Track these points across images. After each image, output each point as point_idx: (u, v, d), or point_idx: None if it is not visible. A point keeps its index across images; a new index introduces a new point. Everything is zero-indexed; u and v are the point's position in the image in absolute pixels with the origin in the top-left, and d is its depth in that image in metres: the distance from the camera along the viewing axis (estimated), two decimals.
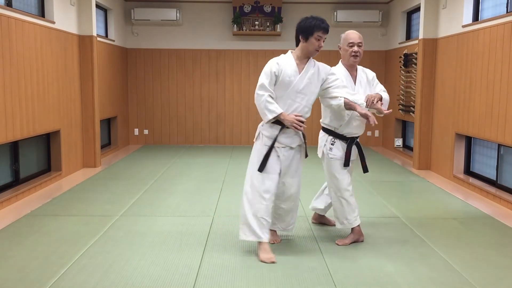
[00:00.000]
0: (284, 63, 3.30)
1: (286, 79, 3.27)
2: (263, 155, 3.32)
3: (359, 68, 3.68)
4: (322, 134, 3.70)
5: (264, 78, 3.27)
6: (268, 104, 3.22)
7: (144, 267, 3.14)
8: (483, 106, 5.23)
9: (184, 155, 7.85)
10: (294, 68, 3.30)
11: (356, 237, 3.64)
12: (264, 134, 3.35)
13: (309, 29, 3.28)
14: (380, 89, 3.63)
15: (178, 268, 3.13)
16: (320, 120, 3.72)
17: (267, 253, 3.28)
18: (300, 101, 3.31)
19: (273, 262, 3.22)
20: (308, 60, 3.37)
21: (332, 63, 3.89)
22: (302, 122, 3.23)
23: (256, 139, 3.43)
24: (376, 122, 3.22)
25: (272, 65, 3.28)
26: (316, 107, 3.77)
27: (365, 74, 3.69)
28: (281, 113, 3.22)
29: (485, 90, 5.19)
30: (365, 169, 3.72)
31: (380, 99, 3.47)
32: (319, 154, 3.69)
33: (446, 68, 6.21)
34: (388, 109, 3.50)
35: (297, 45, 3.39)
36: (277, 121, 3.28)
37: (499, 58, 4.93)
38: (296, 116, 3.22)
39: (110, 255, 3.33)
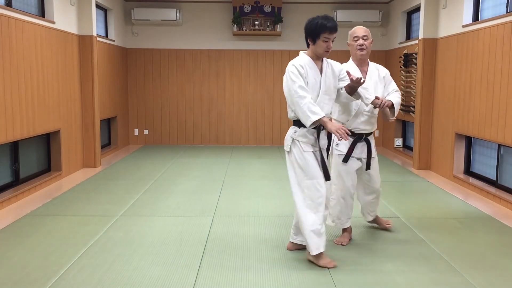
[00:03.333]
0: (305, 65, 3.13)
1: (312, 80, 3.13)
2: (308, 161, 3.14)
3: (372, 64, 3.63)
4: None
5: (297, 80, 3.07)
6: (311, 106, 3.01)
7: (144, 267, 3.14)
8: (483, 106, 5.23)
9: (184, 155, 7.85)
10: (315, 69, 3.16)
11: (350, 236, 3.66)
12: (301, 141, 3.16)
13: (315, 32, 3.12)
14: (392, 89, 3.59)
15: (178, 268, 3.13)
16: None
17: (325, 259, 3.18)
18: (328, 103, 3.19)
19: (335, 266, 3.16)
20: (322, 60, 3.24)
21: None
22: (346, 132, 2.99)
23: (289, 149, 3.22)
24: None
25: (296, 67, 3.11)
26: None
27: (377, 70, 3.63)
28: (324, 116, 3.04)
29: (485, 90, 5.19)
30: (368, 167, 3.62)
31: (391, 106, 3.45)
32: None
33: (446, 68, 6.21)
34: (394, 116, 3.52)
35: (308, 46, 3.24)
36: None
37: (499, 58, 4.93)
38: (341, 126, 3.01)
39: (110, 255, 3.33)
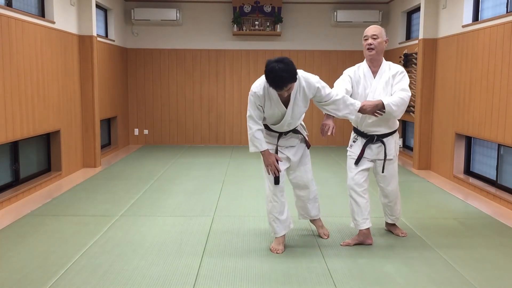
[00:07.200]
0: (264, 93, 3.20)
1: (275, 110, 3.24)
2: None
3: (385, 63, 3.48)
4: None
5: (251, 109, 3.23)
6: (254, 139, 3.25)
7: (144, 267, 3.14)
8: (483, 106, 5.23)
9: (184, 155, 7.85)
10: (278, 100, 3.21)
11: (361, 240, 3.57)
12: (267, 141, 3.38)
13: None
14: (398, 88, 3.36)
15: (178, 268, 3.13)
16: None
17: (277, 245, 3.47)
18: (286, 119, 3.30)
19: (277, 253, 3.41)
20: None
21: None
22: (278, 170, 3.30)
23: None
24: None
25: (254, 98, 3.20)
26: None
27: (389, 70, 3.45)
28: (265, 150, 3.27)
29: (485, 90, 5.19)
30: (383, 169, 3.56)
31: (379, 107, 3.28)
32: None
33: (446, 68, 6.21)
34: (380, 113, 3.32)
35: None
36: (272, 129, 3.42)
37: (499, 58, 4.93)
38: (276, 159, 3.30)
39: (110, 255, 3.33)
